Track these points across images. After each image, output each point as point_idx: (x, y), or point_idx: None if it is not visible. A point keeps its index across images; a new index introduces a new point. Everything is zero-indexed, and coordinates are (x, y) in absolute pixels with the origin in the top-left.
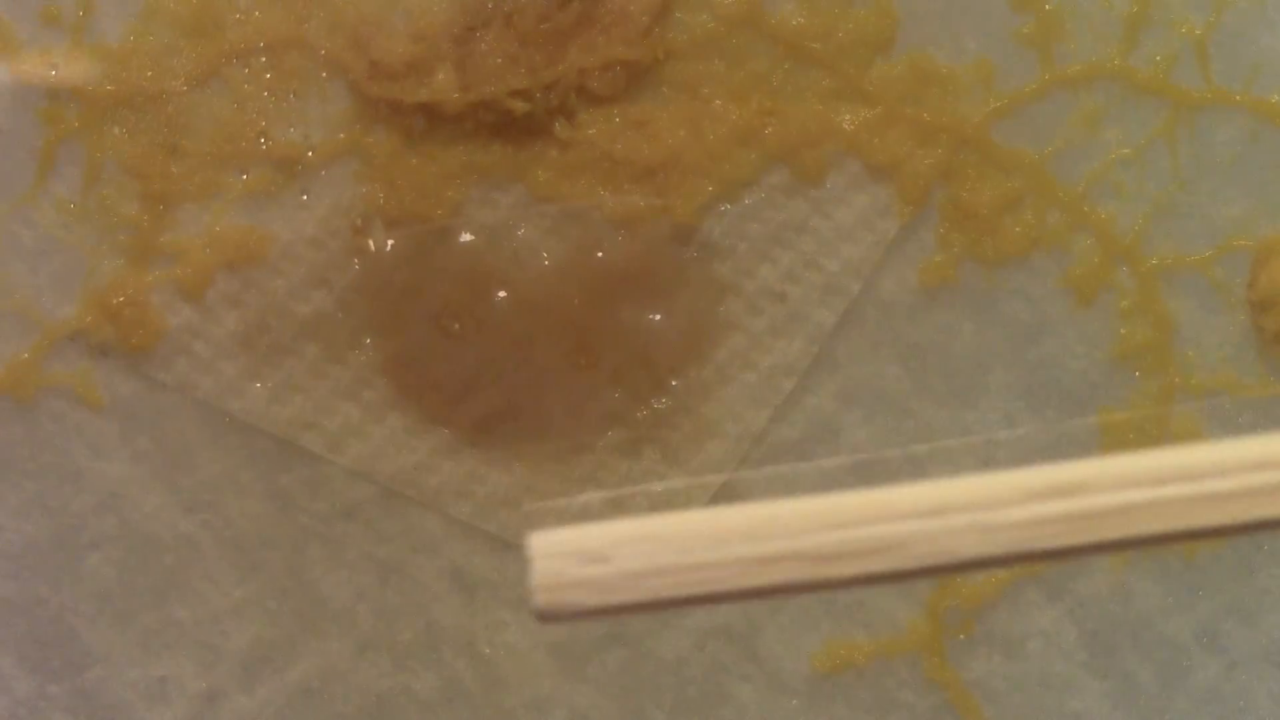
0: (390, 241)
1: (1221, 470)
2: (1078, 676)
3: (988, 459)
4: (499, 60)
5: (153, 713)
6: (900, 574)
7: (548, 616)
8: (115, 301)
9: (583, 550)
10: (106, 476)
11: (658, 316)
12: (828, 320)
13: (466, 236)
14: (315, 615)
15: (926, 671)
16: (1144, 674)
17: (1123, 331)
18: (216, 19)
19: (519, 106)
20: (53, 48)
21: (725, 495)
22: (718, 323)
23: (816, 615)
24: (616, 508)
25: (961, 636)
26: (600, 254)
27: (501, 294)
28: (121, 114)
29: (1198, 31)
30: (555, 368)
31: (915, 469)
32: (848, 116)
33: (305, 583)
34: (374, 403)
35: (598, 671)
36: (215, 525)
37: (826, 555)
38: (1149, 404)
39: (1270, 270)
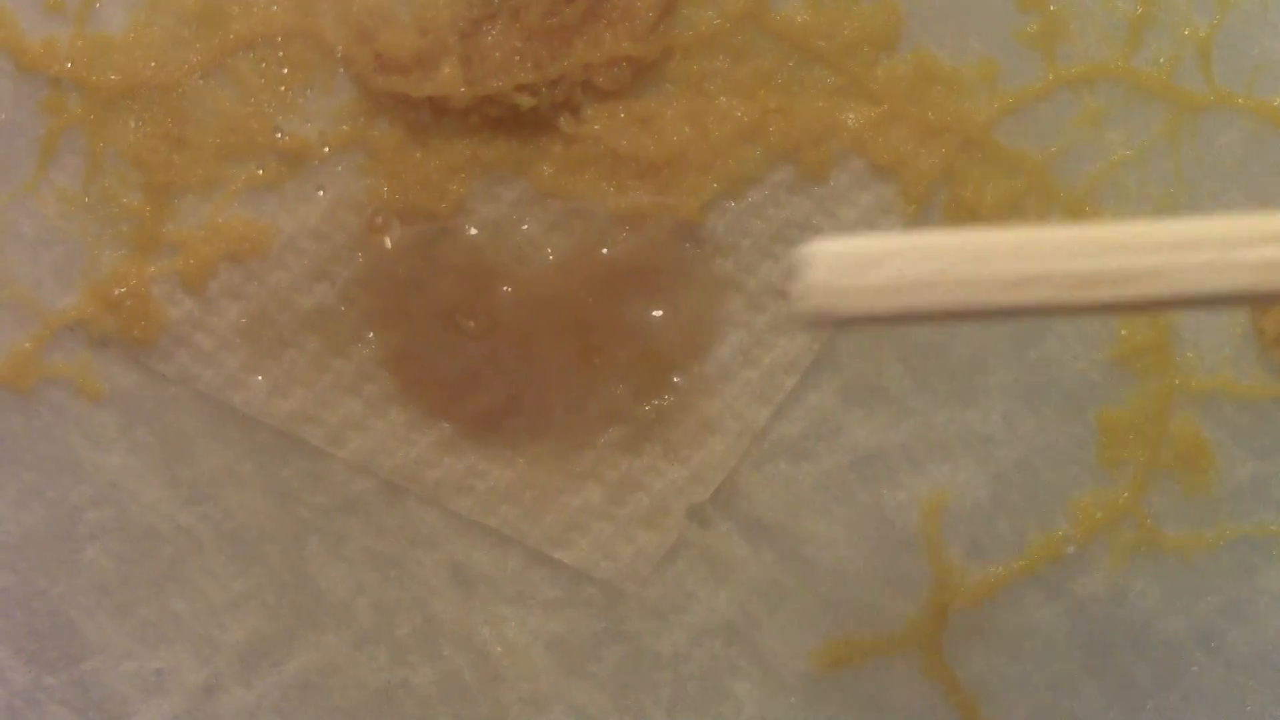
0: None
1: None
2: (1075, 676)
3: (986, 457)
4: (505, 55)
5: (150, 705)
6: (1145, 304)
7: (814, 322)
8: (116, 292)
9: (852, 261)
10: (105, 468)
11: (660, 313)
12: None
13: (470, 231)
14: (314, 609)
15: (924, 670)
16: (1141, 674)
17: (1123, 333)
18: (221, 10)
19: (525, 101)
20: (55, 37)
21: (725, 492)
22: (720, 319)
23: (815, 612)
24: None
25: (960, 635)
26: (604, 250)
27: (505, 289)
28: (124, 105)
29: (1201, 34)
30: (557, 363)
31: (913, 464)
32: (852, 114)
33: (304, 576)
34: (375, 396)
35: (596, 668)
36: (214, 518)
37: (1083, 280)
38: (1148, 405)
39: None
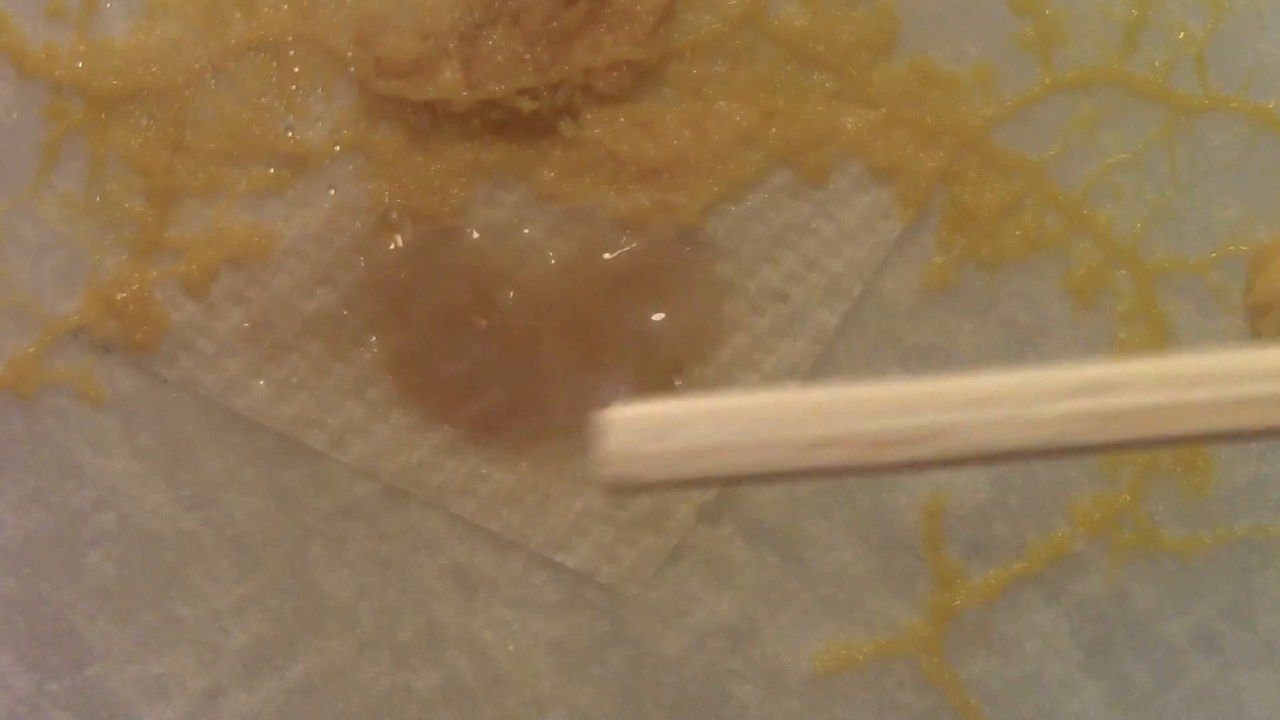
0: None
1: (1250, 376)
2: (1074, 677)
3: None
4: (506, 59)
5: (152, 710)
6: (945, 461)
7: (614, 490)
8: (118, 297)
9: (648, 427)
10: (108, 473)
11: (661, 316)
12: (829, 321)
13: (472, 234)
14: (316, 613)
15: (925, 672)
16: (1140, 675)
17: (1120, 335)
18: (222, 15)
19: (526, 105)
20: (57, 42)
21: (727, 495)
22: (721, 323)
23: (816, 615)
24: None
25: (960, 637)
26: (605, 253)
27: (506, 292)
28: (126, 109)
29: (1196, 37)
30: (559, 366)
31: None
32: (851, 118)
33: (306, 581)
34: (377, 400)
35: (598, 671)
36: (216, 522)
37: (877, 441)
38: None
39: (1267, 274)
